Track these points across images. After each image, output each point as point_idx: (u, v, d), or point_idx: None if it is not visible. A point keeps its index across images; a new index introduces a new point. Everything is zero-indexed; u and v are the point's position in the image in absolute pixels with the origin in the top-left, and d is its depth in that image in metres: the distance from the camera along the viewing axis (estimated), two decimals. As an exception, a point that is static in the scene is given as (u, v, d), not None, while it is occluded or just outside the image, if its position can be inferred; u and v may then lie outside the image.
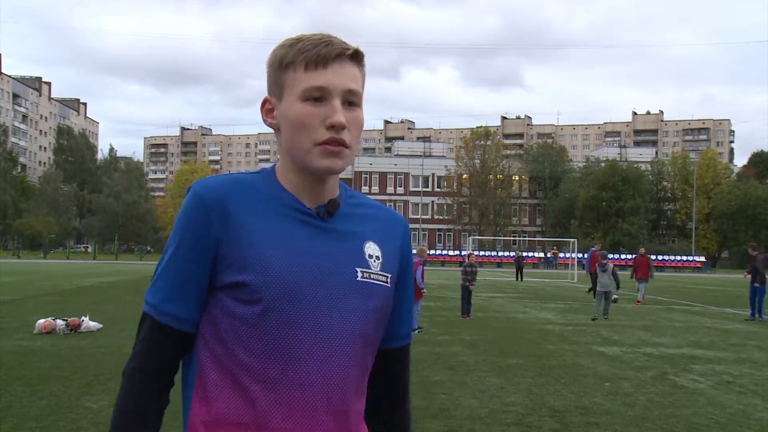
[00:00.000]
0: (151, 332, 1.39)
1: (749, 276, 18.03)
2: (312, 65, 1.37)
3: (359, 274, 1.42)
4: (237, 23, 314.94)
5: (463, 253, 62.27)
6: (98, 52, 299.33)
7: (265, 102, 1.46)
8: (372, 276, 1.44)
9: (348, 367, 1.38)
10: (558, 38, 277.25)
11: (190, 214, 1.38)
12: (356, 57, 1.41)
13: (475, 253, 64.17)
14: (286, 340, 1.33)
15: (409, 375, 1.64)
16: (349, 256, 1.42)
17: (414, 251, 15.61)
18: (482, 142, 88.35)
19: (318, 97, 1.37)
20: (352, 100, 1.40)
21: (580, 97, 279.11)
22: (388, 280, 1.48)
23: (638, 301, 21.79)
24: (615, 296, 20.33)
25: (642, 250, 22.41)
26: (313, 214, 1.42)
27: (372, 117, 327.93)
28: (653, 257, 71.89)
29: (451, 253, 73.25)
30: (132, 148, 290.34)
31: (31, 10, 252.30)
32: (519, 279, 39.36)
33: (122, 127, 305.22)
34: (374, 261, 1.46)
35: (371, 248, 1.47)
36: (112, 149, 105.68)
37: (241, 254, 1.35)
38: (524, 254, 50.87)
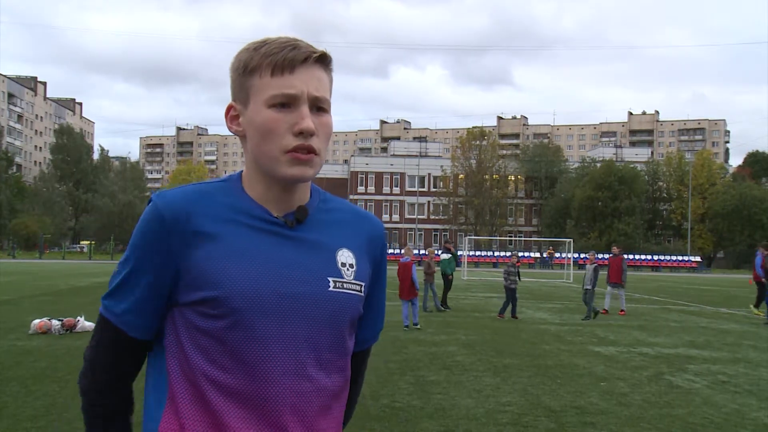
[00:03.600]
0: (112, 339, 1.39)
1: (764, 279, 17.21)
2: (278, 70, 1.32)
3: (331, 284, 1.38)
4: (221, 21, 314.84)
5: (458, 253, 62.34)
6: (82, 50, 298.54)
7: (229, 108, 1.41)
8: (345, 285, 1.39)
9: (321, 379, 1.35)
10: (546, 36, 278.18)
11: (149, 229, 1.35)
12: (323, 60, 1.38)
13: (471, 253, 64.22)
14: (253, 355, 1.30)
15: (362, 380, 1.64)
16: (320, 266, 1.38)
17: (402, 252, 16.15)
18: (478, 142, 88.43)
19: (285, 103, 1.33)
20: (320, 105, 1.36)
21: (570, 96, 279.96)
22: (362, 288, 1.44)
23: (605, 310, 18.34)
24: None
25: (615, 250, 18.88)
26: (281, 223, 1.38)
27: (365, 117, 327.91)
28: (649, 257, 72.60)
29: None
30: (123, 147, 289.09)
31: (11, 7, 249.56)
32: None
33: (111, 126, 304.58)
34: (347, 269, 1.41)
35: (344, 256, 1.42)
36: (102, 150, 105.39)
37: (202, 269, 1.32)
38: (521, 254, 51.05)
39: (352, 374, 1.55)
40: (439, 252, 20.53)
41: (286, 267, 1.35)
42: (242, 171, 1.45)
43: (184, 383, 1.33)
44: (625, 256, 19.66)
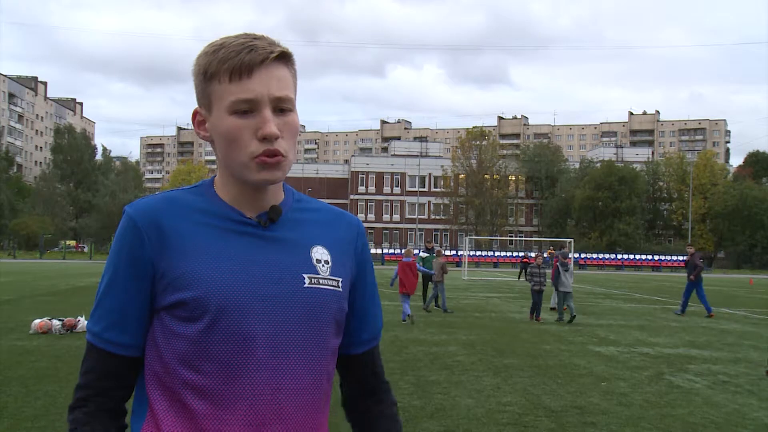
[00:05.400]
0: (98, 362, 1.36)
1: (692, 276, 19.17)
2: (236, 75, 1.30)
3: (306, 281, 1.38)
4: (216, 20, 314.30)
5: (459, 253, 62.39)
6: (77, 49, 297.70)
7: (195, 114, 1.41)
8: (321, 281, 1.40)
9: (301, 377, 1.34)
10: (543, 35, 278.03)
11: (123, 238, 1.35)
12: (283, 58, 1.35)
13: (471, 253, 64.13)
14: (231, 355, 1.30)
15: (383, 373, 1.60)
16: (294, 263, 1.38)
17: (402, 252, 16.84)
18: (478, 142, 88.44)
19: (246, 109, 1.31)
20: (282, 106, 1.34)
21: (569, 95, 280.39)
22: (339, 284, 1.43)
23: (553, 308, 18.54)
24: None
25: (551, 251, 19.47)
26: (254, 223, 1.39)
27: (363, 116, 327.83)
28: (649, 257, 72.57)
29: (447, 252, 73.37)
30: (121, 146, 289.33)
31: (5, 6, 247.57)
32: (522, 279, 39.63)
33: (108, 126, 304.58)
34: (323, 266, 1.42)
35: (319, 253, 1.42)
36: (105, 150, 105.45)
37: (177, 273, 1.32)
38: (523, 254, 51.31)
39: (367, 372, 1.55)
40: (420, 251, 20.82)
41: (260, 266, 1.35)
42: (215, 176, 1.46)
43: (163, 391, 1.33)
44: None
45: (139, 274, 1.34)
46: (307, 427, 1.37)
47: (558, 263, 16.65)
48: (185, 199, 1.40)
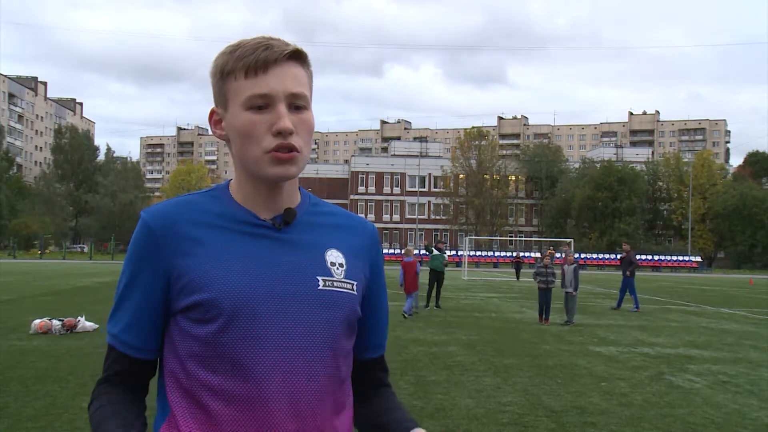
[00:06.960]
0: (116, 362, 1.39)
1: (629, 272, 20.10)
2: (252, 72, 1.33)
3: (321, 283, 1.39)
4: (213, 19, 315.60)
5: (459, 253, 62.33)
6: (73, 49, 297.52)
7: (212, 113, 1.43)
8: (335, 284, 1.40)
9: (316, 379, 1.34)
10: (542, 35, 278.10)
11: (139, 242, 1.37)
12: (298, 57, 1.37)
13: (471, 253, 64.06)
14: (247, 356, 1.30)
15: (388, 378, 1.61)
16: (308, 265, 1.39)
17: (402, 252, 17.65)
18: (477, 143, 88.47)
19: (262, 104, 1.33)
20: (298, 103, 1.35)
21: (568, 95, 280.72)
22: (354, 287, 1.44)
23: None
24: None
25: (551, 252, 18.94)
26: (268, 225, 1.40)
27: (361, 115, 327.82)
28: (649, 257, 72.57)
29: (448, 252, 73.28)
30: (120, 146, 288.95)
31: (2, 5, 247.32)
32: (517, 279, 39.79)
33: (107, 126, 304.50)
34: (337, 269, 1.42)
35: (333, 256, 1.43)
36: (109, 150, 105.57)
37: (192, 275, 1.33)
38: (523, 254, 51.50)
39: (376, 377, 1.55)
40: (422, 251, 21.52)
41: (275, 268, 1.36)
42: (230, 180, 1.47)
43: (182, 392, 1.34)
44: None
45: (154, 279, 1.35)
46: (325, 430, 1.37)
47: (576, 265, 16.26)
48: (200, 202, 1.41)
